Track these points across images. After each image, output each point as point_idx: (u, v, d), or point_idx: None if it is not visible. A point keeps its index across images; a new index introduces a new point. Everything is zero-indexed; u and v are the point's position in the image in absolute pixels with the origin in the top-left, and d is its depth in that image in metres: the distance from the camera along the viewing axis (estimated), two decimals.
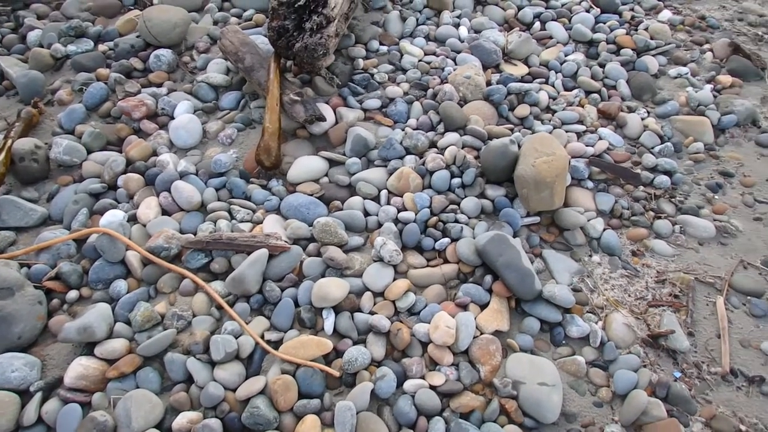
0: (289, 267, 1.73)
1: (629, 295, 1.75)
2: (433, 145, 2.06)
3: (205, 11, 2.58)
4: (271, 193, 1.96)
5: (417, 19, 2.52)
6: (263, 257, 1.70)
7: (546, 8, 2.63)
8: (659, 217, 1.95)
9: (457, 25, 2.51)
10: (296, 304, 1.66)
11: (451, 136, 2.03)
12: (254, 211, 1.90)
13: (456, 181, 1.93)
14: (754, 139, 2.21)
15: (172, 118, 2.12)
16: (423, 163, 1.97)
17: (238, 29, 2.26)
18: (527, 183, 1.81)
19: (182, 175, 1.93)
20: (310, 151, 2.07)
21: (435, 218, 1.85)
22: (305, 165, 2.00)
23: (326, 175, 2.02)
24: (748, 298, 1.76)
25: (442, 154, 1.98)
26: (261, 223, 1.85)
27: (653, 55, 2.46)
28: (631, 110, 2.25)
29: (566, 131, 2.11)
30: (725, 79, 2.38)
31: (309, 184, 1.98)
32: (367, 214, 1.90)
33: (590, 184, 2.00)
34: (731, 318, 1.70)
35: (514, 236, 1.85)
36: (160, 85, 2.25)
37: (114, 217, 1.82)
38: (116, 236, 1.71)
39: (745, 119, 2.24)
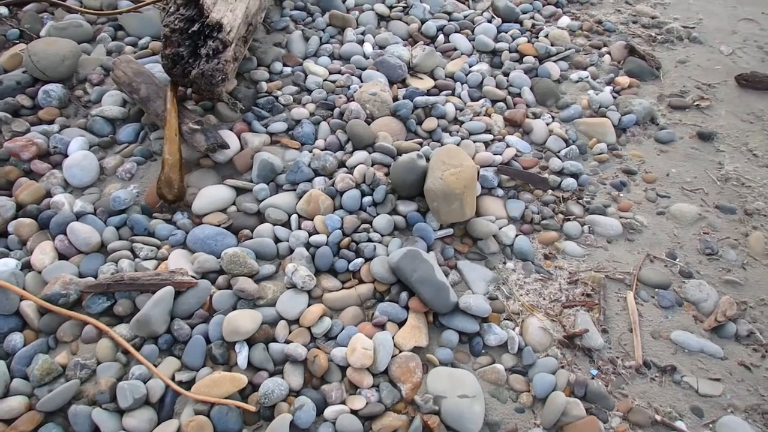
0: (198, 302, 1.73)
1: (544, 299, 1.84)
2: (342, 164, 2.11)
3: (97, 41, 2.55)
4: (176, 227, 1.95)
5: (320, 38, 2.58)
6: (169, 295, 1.69)
7: (449, 20, 2.75)
8: (568, 219, 2.06)
9: (361, 42, 2.59)
10: (207, 341, 1.66)
11: (360, 155, 2.08)
12: (159, 248, 1.89)
13: (367, 199, 1.98)
14: (654, 136, 2.38)
15: (66, 156, 2.08)
16: (332, 184, 2.02)
17: (131, 59, 2.25)
18: (437, 196, 1.88)
19: (79, 216, 1.90)
20: (215, 180, 2.08)
21: (347, 239, 1.89)
22: (211, 195, 2.00)
23: (234, 203, 2.03)
24: (656, 290, 1.88)
25: (352, 174, 2.03)
26: (166, 259, 1.84)
27: (555, 61, 2.62)
28: (536, 116, 2.38)
29: (474, 141, 2.21)
30: (623, 80, 2.56)
31: (216, 215, 1.98)
32: (277, 240, 1.92)
33: (500, 191, 2.10)
34: (641, 311, 1.82)
35: (429, 250, 1.92)
36: (51, 122, 2.21)
37: (5, 266, 1.77)
38: (7, 287, 1.66)
39: (644, 118, 2.41)
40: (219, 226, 1.94)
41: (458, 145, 2.18)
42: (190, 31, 2.05)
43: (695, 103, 2.48)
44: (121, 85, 2.21)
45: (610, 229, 2.03)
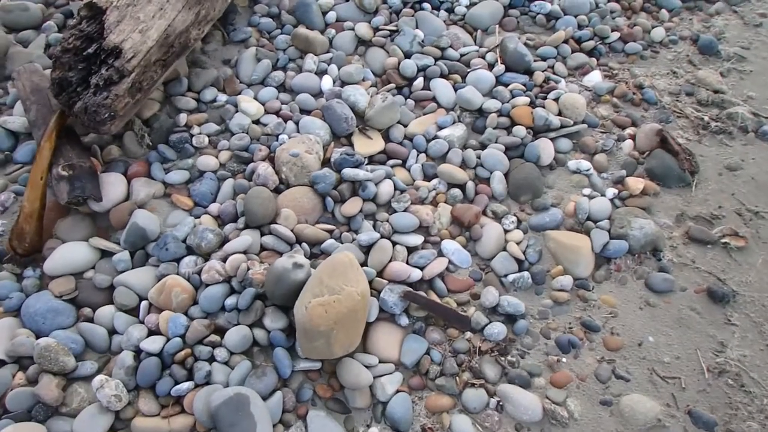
0: None
1: None
2: (225, 242, 1.73)
3: (42, 30, 2.29)
4: (21, 287, 1.70)
5: (276, 62, 2.14)
6: None
7: (438, 59, 2.15)
8: (473, 385, 1.56)
9: (323, 72, 2.12)
10: None
11: (244, 239, 1.69)
12: None
13: (231, 301, 1.61)
14: (645, 279, 1.74)
15: None
16: (200, 272, 1.66)
17: (37, 69, 1.97)
18: (298, 327, 1.48)
19: None
20: (86, 233, 1.79)
21: (186, 352, 1.55)
22: (66, 255, 1.72)
23: (94, 267, 1.74)
24: None
25: (224, 261, 1.66)
26: None
27: (552, 139, 1.98)
28: (496, 216, 1.83)
29: (394, 243, 1.72)
30: (636, 183, 1.88)
31: (65, 280, 1.70)
32: (114, 331, 1.62)
33: (405, 320, 1.63)
34: None
35: (284, 385, 1.54)
36: None
37: None
38: None
39: (643, 247, 1.77)
40: (60, 297, 1.67)
41: (374, 244, 1.71)
42: (84, 53, 1.74)
43: (723, 239, 1.80)
44: (21, 99, 1.95)
45: (524, 412, 1.51)
